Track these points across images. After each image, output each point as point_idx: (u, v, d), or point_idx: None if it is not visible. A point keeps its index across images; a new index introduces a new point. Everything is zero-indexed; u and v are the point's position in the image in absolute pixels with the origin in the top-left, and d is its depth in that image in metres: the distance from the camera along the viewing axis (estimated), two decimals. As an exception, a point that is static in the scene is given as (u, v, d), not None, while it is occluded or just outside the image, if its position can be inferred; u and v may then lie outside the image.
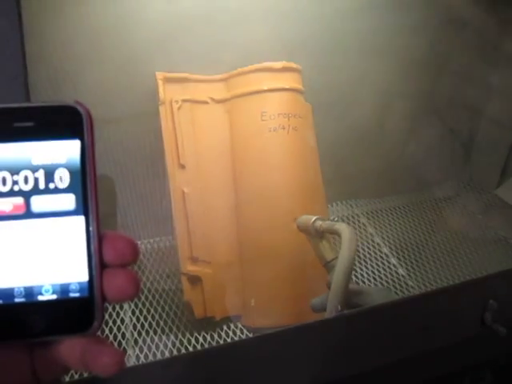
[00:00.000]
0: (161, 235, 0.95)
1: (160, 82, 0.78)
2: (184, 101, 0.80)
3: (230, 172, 0.81)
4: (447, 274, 0.91)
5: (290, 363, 0.36)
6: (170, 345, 0.77)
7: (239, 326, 0.81)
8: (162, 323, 0.82)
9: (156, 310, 0.83)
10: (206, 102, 0.82)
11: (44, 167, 0.24)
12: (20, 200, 0.24)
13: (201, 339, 0.79)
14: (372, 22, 0.92)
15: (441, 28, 0.98)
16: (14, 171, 0.24)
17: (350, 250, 0.56)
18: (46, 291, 0.24)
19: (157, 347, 0.77)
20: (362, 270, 0.95)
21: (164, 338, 0.78)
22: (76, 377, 0.38)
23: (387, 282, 0.94)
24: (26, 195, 0.24)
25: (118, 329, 0.79)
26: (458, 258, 0.96)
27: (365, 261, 0.98)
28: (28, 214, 0.24)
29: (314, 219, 0.71)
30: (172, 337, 0.79)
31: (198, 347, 0.76)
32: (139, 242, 0.95)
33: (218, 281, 0.79)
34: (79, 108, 0.25)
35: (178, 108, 0.79)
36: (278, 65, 0.81)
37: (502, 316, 0.35)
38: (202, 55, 0.83)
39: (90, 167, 0.25)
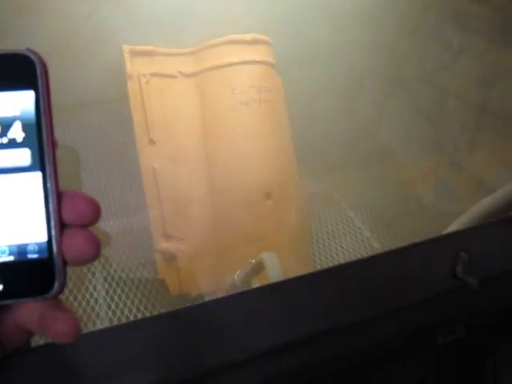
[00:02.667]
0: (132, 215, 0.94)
1: (127, 56, 0.76)
2: (152, 75, 0.78)
3: (202, 147, 0.80)
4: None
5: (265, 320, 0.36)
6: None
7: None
8: (136, 302, 0.81)
9: (130, 290, 0.82)
10: (175, 76, 0.80)
11: None
12: None
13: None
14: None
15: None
16: None
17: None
18: (2, 252, 0.23)
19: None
20: (336, 243, 0.96)
21: (140, 315, 0.77)
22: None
23: (361, 255, 0.95)
24: None
25: (92, 309, 0.78)
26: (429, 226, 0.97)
27: (338, 235, 0.98)
28: None
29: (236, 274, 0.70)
30: (148, 314, 0.78)
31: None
32: (112, 222, 0.93)
33: (192, 257, 0.78)
34: (32, 56, 0.23)
35: (146, 82, 0.77)
36: (248, 37, 0.80)
37: (473, 268, 0.36)
38: (171, 27, 0.81)
39: (45, 120, 0.23)
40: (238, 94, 0.79)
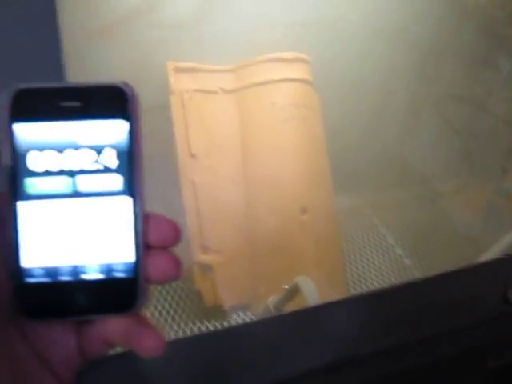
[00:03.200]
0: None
1: (171, 72, 0.78)
2: (195, 91, 0.80)
3: (240, 162, 0.81)
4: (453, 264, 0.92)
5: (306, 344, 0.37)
6: (181, 333, 0.78)
7: (249, 314, 0.82)
8: (172, 312, 0.82)
9: (165, 299, 0.84)
10: (216, 93, 0.83)
11: (91, 147, 0.25)
12: (65, 179, 0.25)
13: (210, 327, 0.79)
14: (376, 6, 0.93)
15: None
16: (61, 150, 0.25)
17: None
18: (92, 270, 0.25)
19: (168, 336, 0.78)
20: (368, 259, 0.96)
21: (175, 326, 0.79)
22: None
23: (393, 272, 0.95)
24: (73, 175, 0.25)
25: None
26: (464, 248, 0.97)
27: (370, 251, 0.99)
28: (75, 193, 0.25)
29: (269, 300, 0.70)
30: (182, 325, 0.79)
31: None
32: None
33: (228, 269, 0.80)
34: (125, 88, 0.25)
35: (189, 98, 0.79)
36: (289, 55, 0.82)
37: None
38: (212, 45, 0.83)
39: (136, 148, 0.25)
40: (277, 111, 0.80)
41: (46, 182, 0.25)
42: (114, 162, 0.25)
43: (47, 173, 0.25)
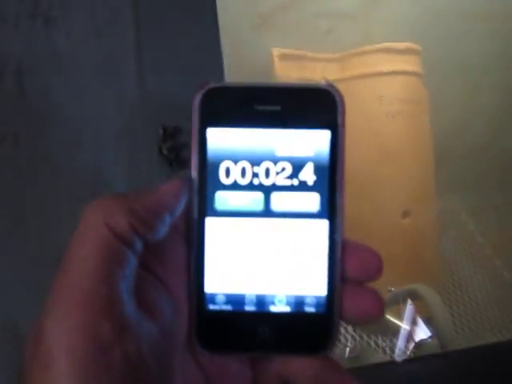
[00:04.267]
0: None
1: (276, 59, 0.74)
2: (297, 79, 0.76)
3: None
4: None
5: None
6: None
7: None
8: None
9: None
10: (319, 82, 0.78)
11: (288, 159, 0.21)
12: (259, 195, 0.21)
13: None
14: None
15: None
16: (255, 162, 0.21)
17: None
18: (280, 302, 0.21)
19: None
20: (463, 269, 0.90)
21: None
22: None
23: (491, 284, 0.88)
24: (266, 190, 0.21)
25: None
26: None
27: (466, 261, 0.92)
28: (266, 212, 0.21)
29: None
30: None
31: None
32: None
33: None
34: (334, 92, 0.21)
35: (292, 87, 0.75)
36: (401, 46, 0.76)
37: None
38: (317, 32, 0.79)
39: (340, 162, 0.21)
40: (384, 105, 0.75)
41: (236, 198, 0.21)
42: (312, 178, 0.21)
43: (239, 187, 0.21)
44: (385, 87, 0.76)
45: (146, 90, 0.33)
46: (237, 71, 0.77)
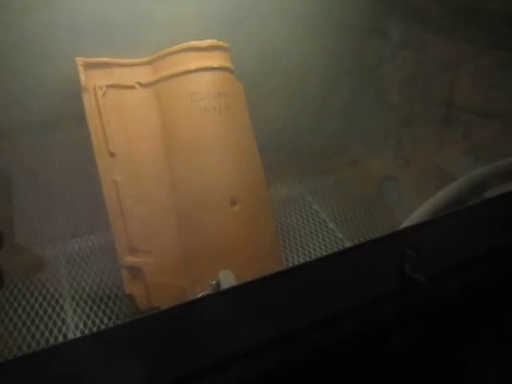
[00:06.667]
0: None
1: (81, 68, 0.74)
2: (109, 86, 0.76)
3: (163, 157, 0.78)
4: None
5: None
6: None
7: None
8: (106, 320, 0.79)
9: (99, 307, 0.80)
10: (133, 87, 0.79)
11: None
12: None
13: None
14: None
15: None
16: None
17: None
18: None
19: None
20: (309, 246, 0.95)
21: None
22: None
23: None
24: None
25: (59, 330, 0.76)
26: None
27: (311, 237, 0.98)
28: None
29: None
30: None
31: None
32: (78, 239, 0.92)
33: (160, 270, 0.77)
34: None
35: (103, 94, 0.75)
36: (204, 43, 0.79)
37: (421, 265, 0.35)
38: (125, 39, 0.80)
39: None
40: (197, 102, 0.78)
41: None
42: None
43: None
44: (195, 84, 0.78)
45: None
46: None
